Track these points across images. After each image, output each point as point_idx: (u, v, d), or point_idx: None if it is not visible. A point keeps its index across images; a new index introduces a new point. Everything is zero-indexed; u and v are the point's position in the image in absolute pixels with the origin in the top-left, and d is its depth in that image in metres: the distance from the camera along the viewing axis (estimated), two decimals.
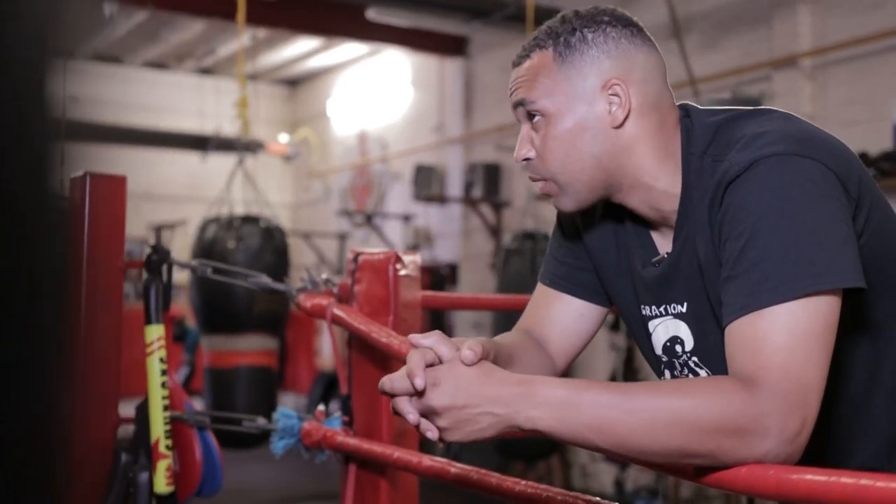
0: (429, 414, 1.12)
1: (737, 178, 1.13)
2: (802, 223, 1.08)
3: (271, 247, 5.55)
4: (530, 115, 1.28)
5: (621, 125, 1.24)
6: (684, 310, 1.28)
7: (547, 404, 1.07)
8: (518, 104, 1.29)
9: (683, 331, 1.29)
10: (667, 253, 1.30)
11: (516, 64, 1.31)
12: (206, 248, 5.41)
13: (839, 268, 1.07)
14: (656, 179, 1.26)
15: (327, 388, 8.47)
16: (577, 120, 1.25)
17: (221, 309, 5.34)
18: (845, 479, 0.95)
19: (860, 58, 5.52)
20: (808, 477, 0.98)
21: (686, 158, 1.25)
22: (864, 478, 0.93)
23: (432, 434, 1.13)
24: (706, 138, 1.24)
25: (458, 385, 1.10)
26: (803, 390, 1.03)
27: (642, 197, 1.28)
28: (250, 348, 5.41)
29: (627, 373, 6.10)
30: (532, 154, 1.29)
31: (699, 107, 1.32)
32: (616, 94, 1.24)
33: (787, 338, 1.04)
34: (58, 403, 0.54)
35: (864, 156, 5.27)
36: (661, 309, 1.31)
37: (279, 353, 9.73)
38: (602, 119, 1.24)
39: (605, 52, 1.24)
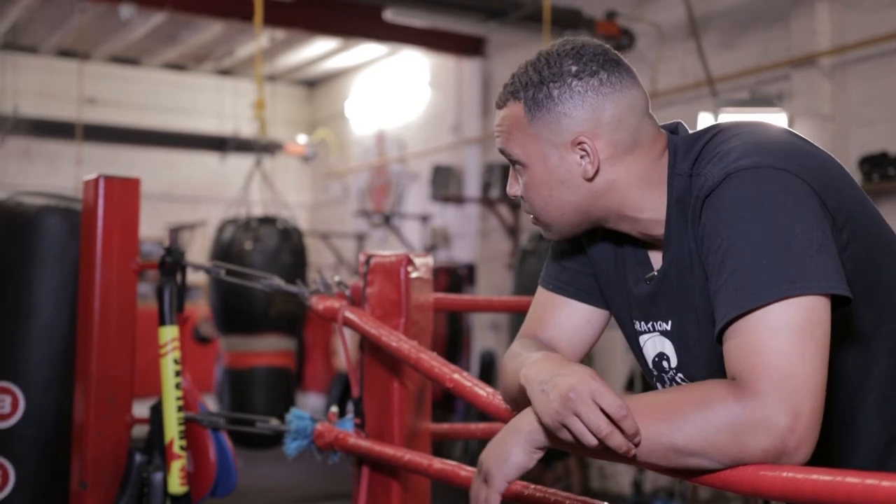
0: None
1: (711, 193, 1.16)
2: (775, 231, 1.09)
3: (288, 248, 5.56)
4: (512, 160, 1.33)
5: (592, 178, 1.27)
6: (669, 328, 1.30)
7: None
8: (501, 151, 1.34)
9: (668, 348, 1.31)
10: (657, 271, 1.32)
11: (498, 107, 1.34)
12: (224, 250, 5.43)
13: (815, 274, 1.08)
14: (641, 211, 1.29)
15: (346, 388, 8.49)
16: (550, 172, 1.28)
17: (238, 310, 5.35)
18: (850, 479, 0.94)
19: (879, 56, 5.48)
20: (814, 477, 0.98)
21: (671, 181, 1.27)
22: (870, 477, 0.93)
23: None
24: (691, 157, 1.25)
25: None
26: (790, 384, 1.04)
27: (631, 225, 1.32)
28: (267, 349, 5.43)
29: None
30: (519, 192, 1.34)
31: (687, 129, 1.33)
32: (584, 150, 1.26)
33: (768, 337, 1.06)
34: None
35: (884, 155, 5.23)
36: (650, 325, 1.33)
37: (302, 352, 9.76)
38: (573, 172, 1.27)
39: (571, 107, 1.25)
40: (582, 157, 1.26)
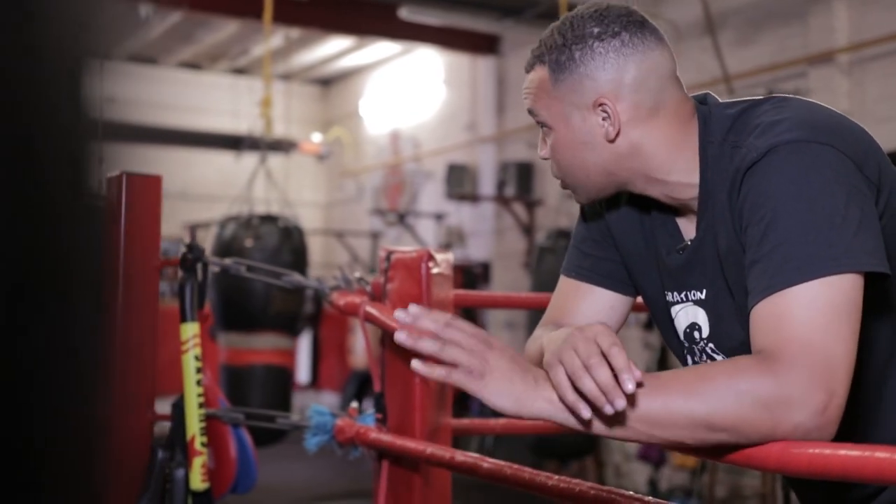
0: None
1: (754, 165, 1.16)
2: (821, 207, 1.10)
3: (289, 246, 5.53)
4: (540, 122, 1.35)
5: (614, 139, 1.28)
6: (703, 296, 1.30)
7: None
8: (529, 112, 1.36)
9: (701, 317, 1.31)
10: (690, 240, 1.32)
11: (526, 70, 1.36)
12: (225, 247, 5.37)
13: (858, 251, 1.09)
14: (669, 173, 1.29)
15: (360, 386, 8.51)
16: (574, 134, 1.30)
17: (238, 307, 5.33)
18: (880, 454, 0.93)
19: None
20: (842, 452, 0.97)
21: (704, 146, 1.27)
22: None
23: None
24: (724, 126, 1.26)
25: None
26: (827, 362, 1.04)
27: (660, 189, 1.31)
28: (265, 347, 5.42)
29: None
30: (547, 154, 1.36)
31: (718, 98, 1.34)
32: (606, 112, 1.27)
33: (808, 313, 1.06)
34: (95, 402, 0.54)
35: None
36: (682, 295, 1.33)
37: (317, 351, 9.76)
38: (596, 134, 1.28)
39: (593, 69, 1.26)
40: (604, 118, 1.27)
